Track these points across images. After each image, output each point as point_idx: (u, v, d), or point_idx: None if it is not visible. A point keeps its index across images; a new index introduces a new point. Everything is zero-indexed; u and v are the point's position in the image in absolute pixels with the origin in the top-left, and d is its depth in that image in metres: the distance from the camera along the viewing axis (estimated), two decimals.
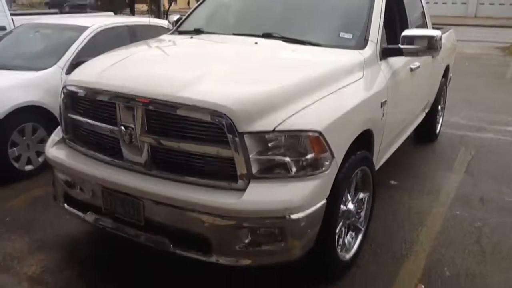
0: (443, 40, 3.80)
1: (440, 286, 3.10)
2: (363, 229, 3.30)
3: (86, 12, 11.77)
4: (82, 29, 5.57)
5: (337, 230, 2.89)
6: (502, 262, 3.37)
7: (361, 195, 3.23)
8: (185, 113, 2.54)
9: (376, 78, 3.42)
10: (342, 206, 2.90)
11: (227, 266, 2.61)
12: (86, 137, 3.10)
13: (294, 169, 2.51)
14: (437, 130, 6.23)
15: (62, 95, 3.16)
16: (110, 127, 2.85)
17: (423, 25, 5.26)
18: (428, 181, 4.82)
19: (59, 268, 3.21)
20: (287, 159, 2.49)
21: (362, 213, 3.28)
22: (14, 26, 7.27)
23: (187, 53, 3.60)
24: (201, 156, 2.59)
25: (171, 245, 2.65)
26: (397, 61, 3.77)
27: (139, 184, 2.69)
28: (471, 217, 4.03)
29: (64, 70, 5.08)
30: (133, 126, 2.71)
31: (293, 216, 2.45)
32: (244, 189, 2.47)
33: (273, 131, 2.47)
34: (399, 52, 3.60)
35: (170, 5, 25.44)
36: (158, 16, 20.09)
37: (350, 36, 3.57)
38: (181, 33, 4.18)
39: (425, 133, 5.92)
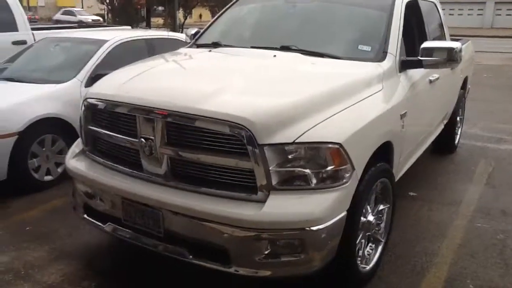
0: (462, 52, 3.78)
1: None
2: (383, 240, 3.26)
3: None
4: (101, 42, 5.66)
5: (357, 242, 2.86)
6: None
7: (381, 207, 3.20)
8: (204, 125, 2.56)
9: (396, 90, 3.40)
10: (362, 218, 2.88)
11: (246, 277, 2.60)
12: (106, 149, 3.13)
13: (314, 181, 2.50)
14: (456, 142, 6.17)
15: (83, 108, 3.20)
16: (130, 139, 2.88)
17: (441, 37, 5.24)
18: (448, 193, 4.76)
19: (78, 278, 3.22)
20: (307, 171, 2.49)
21: (382, 225, 3.25)
22: (34, 40, 7.40)
23: (205, 66, 3.64)
24: (220, 168, 2.60)
25: (190, 256, 2.65)
26: (416, 73, 3.76)
27: (158, 195, 2.71)
28: (493, 229, 3.96)
29: (83, 83, 5.15)
30: (153, 138, 2.73)
31: (313, 228, 2.44)
32: (263, 201, 2.47)
33: (293, 143, 2.47)
34: (418, 64, 3.58)
35: (185, 19, 25.77)
36: (173, 29, 20.34)
37: (369, 48, 3.57)
38: (199, 46, 4.22)
39: (444, 144, 5.86)
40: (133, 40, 6.08)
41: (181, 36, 6.89)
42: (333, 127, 2.62)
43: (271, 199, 2.47)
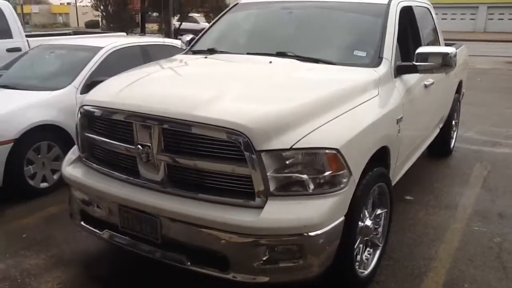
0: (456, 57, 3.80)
1: None
2: (380, 245, 3.26)
3: None
4: (96, 49, 5.65)
5: (355, 247, 2.87)
6: None
7: (379, 211, 3.21)
8: (201, 132, 2.56)
9: (391, 95, 3.42)
10: (360, 223, 2.88)
11: (244, 283, 2.59)
12: (102, 156, 3.13)
13: (312, 187, 2.50)
14: (452, 145, 6.20)
15: (79, 115, 3.20)
16: (127, 146, 2.87)
17: (435, 41, 5.27)
18: (444, 197, 4.78)
19: (75, 285, 3.21)
20: (305, 176, 2.49)
21: (380, 229, 3.26)
22: (29, 47, 7.39)
23: (202, 73, 3.64)
24: (217, 174, 2.60)
25: (188, 262, 2.64)
26: (411, 78, 3.78)
27: (156, 202, 2.70)
28: (490, 232, 3.98)
29: (79, 90, 5.14)
30: (149, 144, 2.72)
31: (312, 233, 2.44)
32: (261, 207, 2.47)
33: (291, 148, 2.48)
34: (413, 70, 3.60)
35: (180, 25, 25.78)
36: (168, 35, 20.34)
37: (364, 54, 3.59)
38: (195, 52, 4.22)
39: (440, 148, 5.89)
40: (129, 46, 6.08)
41: (177, 42, 6.89)
42: (330, 132, 2.62)
43: (269, 205, 2.47)
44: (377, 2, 4.05)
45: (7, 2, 7.74)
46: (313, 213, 2.46)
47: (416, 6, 4.64)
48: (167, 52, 5.37)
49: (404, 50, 4.03)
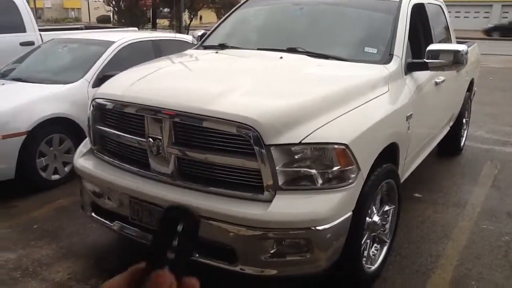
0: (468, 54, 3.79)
1: None
2: (388, 241, 3.28)
3: None
4: (108, 44, 5.70)
5: (362, 242, 2.88)
6: None
7: (387, 208, 3.22)
8: (211, 126, 2.59)
9: (401, 92, 3.42)
10: (367, 219, 2.90)
11: (252, 276, 2.62)
12: (113, 148, 3.17)
13: (320, 181, 2.52)
14: (462, 144, 6.17)
15: (91, 108, 3.24)
16: (138, 138, 2.91)
17: (447, 39, 5.25)
18: (453, 195, 4.77)
19: (85, 276, 3.26)
20: (313, 171, 2.51)
21: (387, 226, 3.26)
22: (42, 41, 7.46)
23: (213, 67, 3.67)
24: (227, 168, 2.62)
25: (197, 254, 2.67)
26: (422, 75, 3.77)
27: (165, 194, 2.74)
28: (498, 231, 3.97)
29: (91, 83, 5.19)
30: (160, 138, 2.76)
31: (319, 228, 2.46)
32: (270, 201, 2.49)
33: (300, 143, 2.50)
34: (424, 67, 3.60)
35: (191, 21, 25.84)
36: (179, 31, 20.39)
37: (375, 51, 3.59)
38: (206, 48, 4.25)
39: (450, 146, 5.87)
40: (140, 41, 6.12)
41: (188, 38, 6.92)
42: (339, 128, 2.64)
43: (277, 199, 2.49)
44: None
45: None
46: (321, 208, 2.48)
47: (428, 3, 4.63)
48: (178, 47, 5.42)
49: (416, 48, 4.02)
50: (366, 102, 2.97)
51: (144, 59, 4.16)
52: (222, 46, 4.06)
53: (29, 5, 8.27)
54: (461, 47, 3.56)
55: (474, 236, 3.89)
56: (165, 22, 28.73)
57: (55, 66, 5.83)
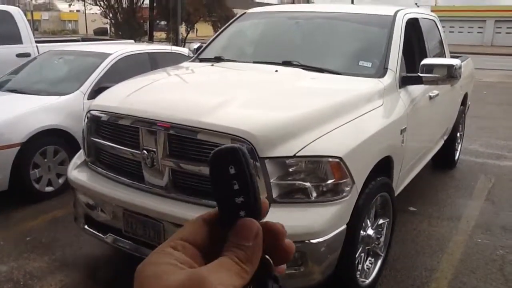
0: (462, 69, 3.82)
1: None
2: (382, 255, 3.27)
3: None
4: (104, 56, 5.71)
5: (356, 256, 2.87)
6: None
7: (381, 221, 3.21)
8: (206, 138, 2.59)
9: (396, 105, 3.44)
10: (362, 232, 2.89)
11: None
12: (108, 160, 3.16)
13: (314, 194, 2.52)
14: (456, 157, 6.19)
15: (86, 119, 3.24)
16: (132, 150, 2.91)
17: (441, 54, 5.29)
18: (448, 208, 4.77)
19: None
20: (308, 184, 2.51)
21: (382, 239, 3.26)
22: (38, 52, 7.48)
23: (208, 80, 3.68)
24: None
25: None
26: (416, 89, 3.79)
27: (159, 206, 2.73)
28: (493, 244, 3.97)
29: (86, 95, 5.19)
30: (155, 150, 2.76)
31: (313, 241, 2.45)
32: None
33: (294, 156, 2.50)
34: (418, 81, 3.62)
35: (187, 33, 25.97)
36: (176, 43, 20.47)
37: (369, 64, 3.62)
38: (201, 60, 4.27)
39: (444, 160, 5.88)
40: (136, 53, 6.14)
41: (184, 50, 6.96)
42: (334, 141, 2.65)
43: (271, 212, 2.44)
44: (383, 14, 4.09)
45: (18, 8, 7.84)
46: (315, 221, 2.48)
47: (422, 18, 4.68)
48: (174, 60, 5.43)
49: (410, 62, 4.06)
50: (361, 115, 2.98)
51: (140, 72, 4.18)
52: (218, 59, 4.08)
53: (26, 17, 8.30)
54: (455, 62, 3.59)
55: (469, 249, 3.88)
56: (162, 34, 28.84)
57: (50, 77, 5.83)
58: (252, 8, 4.97)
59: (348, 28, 4.15)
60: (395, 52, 3.66)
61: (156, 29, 28.11)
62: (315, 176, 2.53)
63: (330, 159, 2.54)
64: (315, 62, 3.66)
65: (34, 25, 40.10)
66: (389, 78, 3.49)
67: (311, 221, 2.48)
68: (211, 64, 4.01)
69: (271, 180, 2.47)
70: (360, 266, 3.01)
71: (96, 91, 4.86)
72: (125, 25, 24.97)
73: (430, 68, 3.58)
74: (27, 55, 7.41)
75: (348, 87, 3.35)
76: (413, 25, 4.33)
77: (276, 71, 3.55)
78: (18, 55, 7.34)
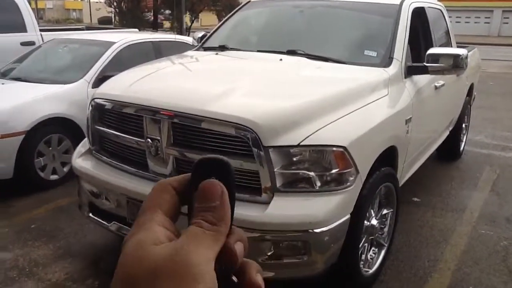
0: (468, 59, 3.79)
1: None
2: (386, 245, 3.27)
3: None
4: (108, 44, 5.70)
5: (360, 245, 2.87)
6: None
7: (385, 211, 3.21)
8: (210, 127, 2.58)
9: (401, 95, 3.42)
10: (365, 222, 2.89)
11: None
12: (112, 149, 3.16)
13: (318, 184, 2.51)
14: (461, 148, 6.16)
15: (90, 108, 3.23)
16: (137, 139, 2.91)
17: (448, 44, 5.25)
18: (452, 199, 4.76)
19: (82, 276, 3.25)
20: (312, 173, 2.50)
21: (385, 229, 3.26)
22: (43, 41, 7.47)
23: (212, 69, 3.67)
24: None
25: None
26: (421, 79, 3.77)
27: None
28: (497, 236, 3.96)
29: (91, 84, 5.19)
30: (159, 138, 2.76)
31: (317, 230, 2.45)
32: (267, 203, 2.49)
33: (298, 145, 2.49)
34: (424, 70, 3.60)
35: (192, 23, 25.88)
36: (180, 32, 20.40)
37: (374, 54, 3.59)
38: (206, 49, 4.25)
39: (449, 151, 5.86)
40: (140, 42, 6.12)
41: (188, 39, 6.93)
42: (338, 130, 2.63)
43: (275, 201, 2.48)
44: (389, 3, 4.05)
45: None
46: (319, 210, 2.48)
47: (429, 7, 4.63)
48: (178, 49, 5.41)
49: (416, 51, 4.03)
50: (365, 105, 2.97)
51: (144, 60, 4.16)
52: (222, 48, 4.06)
53: (30, 5, 8.28)
54: (461, 51, 3.56)
55: (472, 241, 3.88)
56: (166, 23, 28.77)
57: (55, 66, 5.83)
58: None
59: (353, 17, 4.11)
60: (401, 42, 3.63)
61: (160, 18, 28.03)
62: (319, 166, 2.53)
63: (335, 149, 2.53)
64: (320, 51, 3.64)
65: (39, 13, 40.05)
66: (395, 67, 3.46)
67: (314, 211, 2.48)
68: (215, 52, 3.99)
69: (275, 169, 2.47)
70: (363, 256, 3.01)
71: (100, 80, 4.85)
72: (130, 14, 24.93)
73: (436, 57, 3.55)
74: (31, 43, 7.39)
75: (353, 77, 3.32)
76: (419, 14, 4.29)
77: (281, 60, 3.53)
78: (23, 44, 7.33)
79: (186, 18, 25.26)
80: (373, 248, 3.17)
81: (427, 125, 4.21)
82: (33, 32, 7.72)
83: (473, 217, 4.34)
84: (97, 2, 35.55)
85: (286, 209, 2.47)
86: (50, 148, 4.82)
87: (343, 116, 2.74)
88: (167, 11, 27.51)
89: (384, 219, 3.23)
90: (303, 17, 4.20)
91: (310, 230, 2.45)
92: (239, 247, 0.49)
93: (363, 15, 4.10)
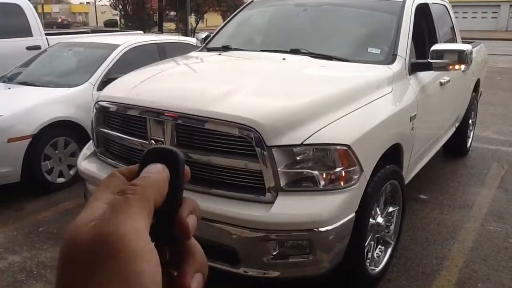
0: (473, 54, 3.76)
1: None
2: (392, 243, 3.25)
3: None
4: (113, 47, 5.72)
5: (366, 244, 2.86)
6: None
7: (391, 209, 3.19)
8: (213, 127, 2.59)
9: (405, 92, 3.40)
10: (371, 220, 2.88)
11: (255, 278, 2.61)
12: (116, 151, 3.18)
13: (322, 183, 2.51)
14: (468, 145, 6.11)
15: (94, 110, 3.25)
16: (141, 141, 2.91)
17: (453, 40, 5.21)
18: (460, 196, 4.73)
19: None
20: (316, 172, 2.50)
21: (392, 227, 3.24)
22: (48, 45, 7.51)
23: (215, 69, 3.67)
24: (229, 169, 2.62)
25: None
26: (426, 76, 3.75)
27: None
28: (505, 232, 3.92)
29: (96, 86, 5.21)
30: (163, 139, 2.76)
31: (322, 229, 2.44)
32: (272, 202, 2.48)
33: (302, 144, 2.49)
34: (428, 67, 3.57)
35: (197, 24, 25.93)
36: (185, 34, 20.44)
37: (378, 51, 3.57)
38: (209, 50, 4.26)
39: (456, 147, 5.82)
40: (145, 44, 6.14)
41: (192, 40, 6.94)
42: (342, 128, 2.63)
43: (279, 200, 2.48)
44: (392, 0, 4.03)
45: (27, 1, 7.87)
46: (323, 209, 2.47)
47: (433, 3, 4.61)
48: (183, 50, 5.42)
49: (420, 48, 4.00)
50: (369, 102, 2.95)
51: (149, 62, 4.17)
52: (226, 48, 4.07)
53: (37, 10, 8.32)
54: (466, 47, 3.53)
55: (480, 237, 3.85)
56: (172, 25, 28.83)
57: (60, 69, 5.86)
58: None
59: (356, 14, 4.10)
60: (405, 38, 3.61)
61: (165, 19, 28.10)
62: (323, 164, 2.52)
63: (338, 147, 2.52)
64: (323, 50, 3.63)
65: (45, 18, 40.32)
66: (398, 64, 3.44)
67: (319, 209, 2.47)
68: (218, 53, 4.00)
69: (279, 169, 2.46)
70: (369, 254, 3.00)
71: (105, 82, 4.87)
72: (135, 17, 25.01)
73: (440, 54, 3.53)
74: (37, 47, 7.44)
75: (357, 74, 3.31)
76: (423, 11, 4.26)
77: (284, 59, 3.52)
78: (28, 48, 7.38)
79: (191, 20, 25.30)
80: (379, 246, 3.16)
81: (433, 122, 4.19)
82: (38, 36, 7.77)
83: (481, 213, 4.31)
84: (102, 5, 35.70)
85: (290, 208, 2.47)
86: (57, 151, 4.85)
87: (347, 114, 2.73)
88: (172, 13, 27.58)
89: (390, 217, 3.22)
90: (306, 16, 4.19)
91: (315, 229, 2.44)
92: (191, 220, 0.47)
93: (366, 12, 4.08)
